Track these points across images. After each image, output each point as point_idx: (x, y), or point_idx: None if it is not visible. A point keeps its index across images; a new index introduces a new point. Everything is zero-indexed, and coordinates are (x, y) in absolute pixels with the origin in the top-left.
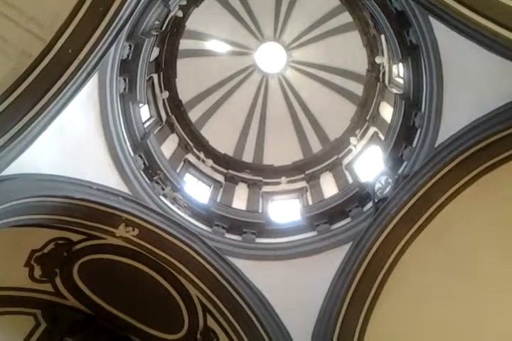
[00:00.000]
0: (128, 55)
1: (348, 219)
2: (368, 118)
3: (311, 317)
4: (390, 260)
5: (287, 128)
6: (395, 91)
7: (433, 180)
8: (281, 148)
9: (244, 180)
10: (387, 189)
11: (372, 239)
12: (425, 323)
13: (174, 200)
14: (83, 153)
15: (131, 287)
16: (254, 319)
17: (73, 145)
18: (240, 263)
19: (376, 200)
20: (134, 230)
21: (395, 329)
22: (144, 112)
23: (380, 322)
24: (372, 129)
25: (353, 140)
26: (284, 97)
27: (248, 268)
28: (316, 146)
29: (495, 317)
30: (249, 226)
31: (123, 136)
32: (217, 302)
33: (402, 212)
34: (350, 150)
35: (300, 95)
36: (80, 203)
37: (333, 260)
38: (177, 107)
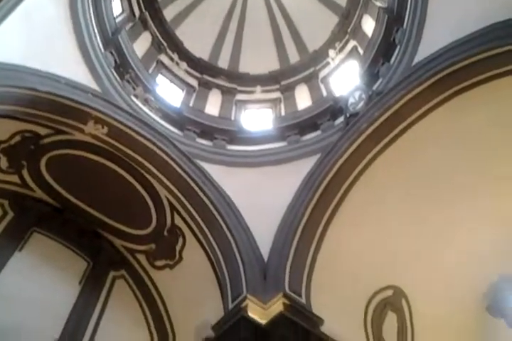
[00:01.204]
0: None
1: (319, 132)
2: (349, 30)
3: (274, 222)
4: (355, 172)
5: (266, 36)
6: (379, 4)
7: (405, 98)
8: (258, 57)
9: (218, 87)
10: (360, 104)
11: (340, 152)
12: (384, 233)
13: (145, 101)
14: (50, 45)
15: (100, 183)
16: (220, 220)
17: (40, 35)
18: (209, 168)
19: (348, 115)
20: (103, 128)
21: (354, 235)
22: (116, 6)
23: (340, 228)
24: (352, 43)
25: (331, 53)
26: (265, 2)
27: (217, 173)
28: (293, 57)
29: (455, 234)
30: (220, 133)
31: (93, 29)
32: (186, 203)
33: (371, 128)
34: (328, 64)
35: (282, 1)
36: (46, 96)
37: (300, 170)
38: (151, 3)
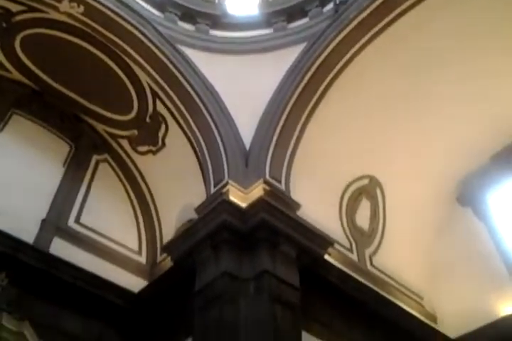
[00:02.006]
0: None
1: (306, 19)
2: None
3: (257, 110)
4: (342, 63)
5: None
6: None
7: None
8: None
9: None
10: None
11: (328, 40)
12: (364, 125)
13: None
14: None
15: (79, 67)
16: (202, 107)
17: None
18: (191, 54)
19: (337, 1)
20: (79, 7)
21: (335, 126)
22: None
23: (323, 119)
24: None
25: None
26: None
27: (199, 59)
28: None
29: (434, 128)
30: (203, 17)
31: None
32: (167, 89)
33: (361, 17)
34: None
35: None
36: None
37: (286, 59)
38: None
